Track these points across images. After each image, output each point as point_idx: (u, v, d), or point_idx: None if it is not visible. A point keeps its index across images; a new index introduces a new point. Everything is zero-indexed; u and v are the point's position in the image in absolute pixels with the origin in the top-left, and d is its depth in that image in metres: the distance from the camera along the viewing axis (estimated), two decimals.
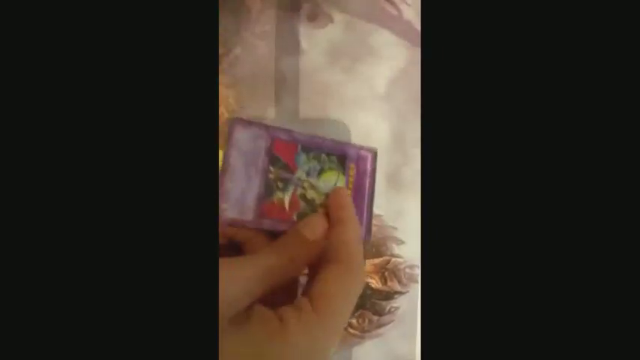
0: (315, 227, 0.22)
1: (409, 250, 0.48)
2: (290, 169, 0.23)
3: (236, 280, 0.19)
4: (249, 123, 0.23)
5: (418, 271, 0.48)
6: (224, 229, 0.22)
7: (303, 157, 0.23)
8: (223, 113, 0.51)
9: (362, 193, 0.24)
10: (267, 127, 0.23)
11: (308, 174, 0.23)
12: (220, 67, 0.53)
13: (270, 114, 0.48)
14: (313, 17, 0.57)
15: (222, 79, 0.53)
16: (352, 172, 0.24)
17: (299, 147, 0.23)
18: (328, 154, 0.24)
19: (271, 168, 0.23)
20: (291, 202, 0.22)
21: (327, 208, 0.23)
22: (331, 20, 0.57)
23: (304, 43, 0.56)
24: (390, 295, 0.47)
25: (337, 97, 0.55)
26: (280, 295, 0.22)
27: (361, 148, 0.25)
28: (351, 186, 0.24)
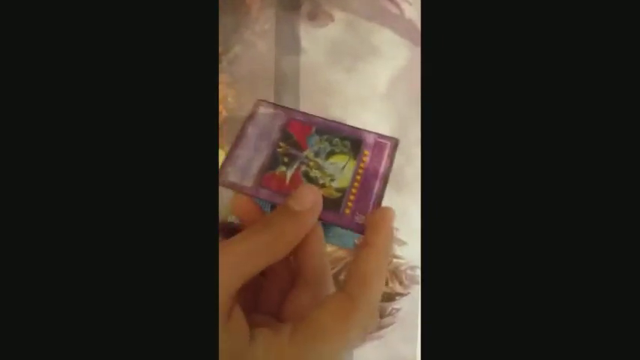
0: (301, 198, 0.20)
1: (410, 251, 0.48)
2: (300, 147, 0.23)
3: (224, 258, 0.18)
4: (273, 105, 0.24)
5: (419, 273, 0.47)
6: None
7: (315, 139, 0.23)
8: (222, 112, 0.51)
9: (371, 184, 0.22)
10: (287, 109, 0.24)
11: (317, 154, 0.23)
12: (220, 66, 0.52)
13: None
14: (314, 16, 0.57)
15: (222, 77, 0.53)
16: (365, 158, 0.23)
17: (314, 129, 0.24)
18: (342, 138, 0.24)
19: (281, 143, 0.23)
20: (292, 177, 0.22)
21: (366, 225, 0.21)
22: (332, 19, 0.57)
23: (304, 42, 0.56)
24: (391, 297, 0.47)
25: (338, 96, 0.54)
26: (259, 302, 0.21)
27: (381, 136, 0.24)
28: (360, 172, 0.23)
